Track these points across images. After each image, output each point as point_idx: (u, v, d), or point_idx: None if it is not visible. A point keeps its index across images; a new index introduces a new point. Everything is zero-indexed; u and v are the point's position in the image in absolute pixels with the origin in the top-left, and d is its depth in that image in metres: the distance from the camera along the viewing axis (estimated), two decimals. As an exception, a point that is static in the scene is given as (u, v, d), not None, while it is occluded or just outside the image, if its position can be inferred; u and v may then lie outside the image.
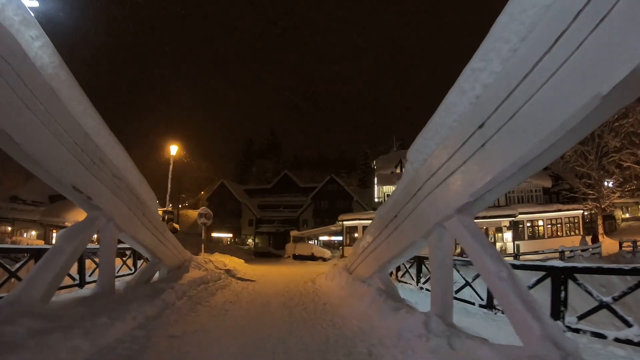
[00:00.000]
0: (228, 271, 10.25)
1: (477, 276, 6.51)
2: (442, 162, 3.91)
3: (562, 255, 15.17)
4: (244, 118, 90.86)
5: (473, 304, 6.47)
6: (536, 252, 18.53)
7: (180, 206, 50.04)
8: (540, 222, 24.85)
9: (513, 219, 23.68)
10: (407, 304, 4.77)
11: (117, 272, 8.88)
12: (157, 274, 8.27)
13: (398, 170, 26.47)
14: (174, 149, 15.61)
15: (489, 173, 3.18)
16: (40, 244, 21.90)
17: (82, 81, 4.93)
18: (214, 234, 42.31)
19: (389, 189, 25.12)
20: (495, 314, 6.10)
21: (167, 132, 35.92)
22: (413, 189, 4.62)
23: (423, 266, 8.65)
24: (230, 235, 42.85)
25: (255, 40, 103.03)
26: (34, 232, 28.38)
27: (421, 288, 8.46)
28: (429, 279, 8.40)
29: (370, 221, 22.90)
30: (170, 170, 15.18)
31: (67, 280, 6.28)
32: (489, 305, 6.22)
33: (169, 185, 15.08)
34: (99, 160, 5.29)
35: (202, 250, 12.33)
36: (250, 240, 42.74)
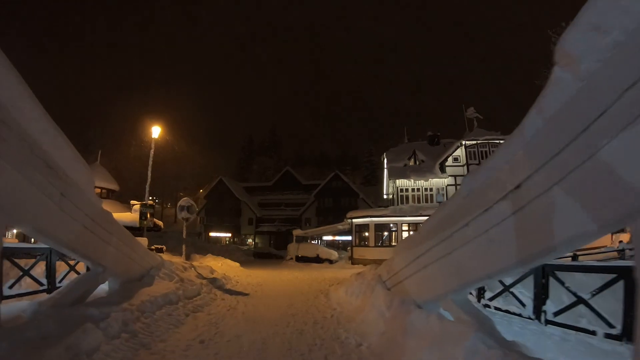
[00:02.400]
0: (214, 280, 7.66)
1: (603, 288, 3.95)
2: None
3: (622, 253, 12.51)
4: (244, 115, 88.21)
5: (593, 333, 3.94)
6: (592, 250, 15.65)
7: (178, 204, 47.58)
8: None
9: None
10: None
11: (59, 282, 6.45)
12: (106, 287, 5.74)
13: (411, 163, 23.82)
14: (156, 131, 13.06)
15: None
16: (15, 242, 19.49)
17: None
18: (212, 234, 39.97)
19: (402, 182, 22.47)
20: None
21: (166, 128, 33.45)
22: (582, 119, 2.04)
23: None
24: (229, 234, 40.33)
25: (258, 38, 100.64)
26: (15, 230, 26.12)
27: (486, 306, 5.88)
28: (501, 293, 5.83)
29: (384, 219, 20.42)
30: (151, 155, 12.57)
31: None
32: (626, 335, 3.65)
33: (149, 174, 12.47)
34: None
35: (183, 252, 9.74)
36: (250, 240, 40.17)
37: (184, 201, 9.84)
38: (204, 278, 7.68)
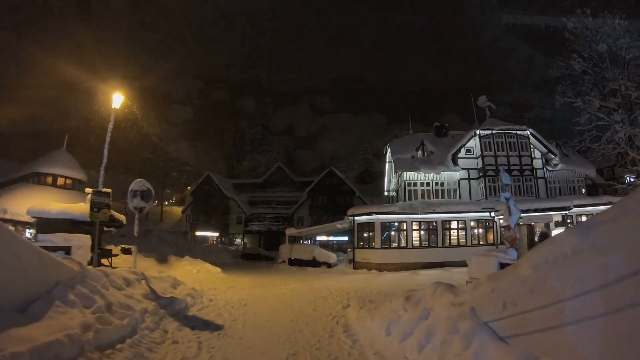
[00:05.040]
0: (171, 302, 4.93)
1: None
2: None
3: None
4: (235, 111, 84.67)
5: None
6: None
7: (167, 202, 45.60)
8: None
9: (567, 212, 18.70)
10: None
11: None
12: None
13: (419, 154, 21.25)
14: (117, 100, 10.18)
15: None
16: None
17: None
18: (199, 233, 37.16)
19: (410, 176, 19.90)
20: None
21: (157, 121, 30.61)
22: None
23: None
24: (217, 234, 37.47)
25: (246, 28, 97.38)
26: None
27: None
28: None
29: (393, 216, 17.53)
30: (110, 127, 9.68)
31: None
32: None
33: (106, 152, 9.55)
34: None
35: (134, 256, 6.87)
36: (238, 240, 37.39)
37: (136, 184, 6.89)
38: (158, 297, 4.97)
